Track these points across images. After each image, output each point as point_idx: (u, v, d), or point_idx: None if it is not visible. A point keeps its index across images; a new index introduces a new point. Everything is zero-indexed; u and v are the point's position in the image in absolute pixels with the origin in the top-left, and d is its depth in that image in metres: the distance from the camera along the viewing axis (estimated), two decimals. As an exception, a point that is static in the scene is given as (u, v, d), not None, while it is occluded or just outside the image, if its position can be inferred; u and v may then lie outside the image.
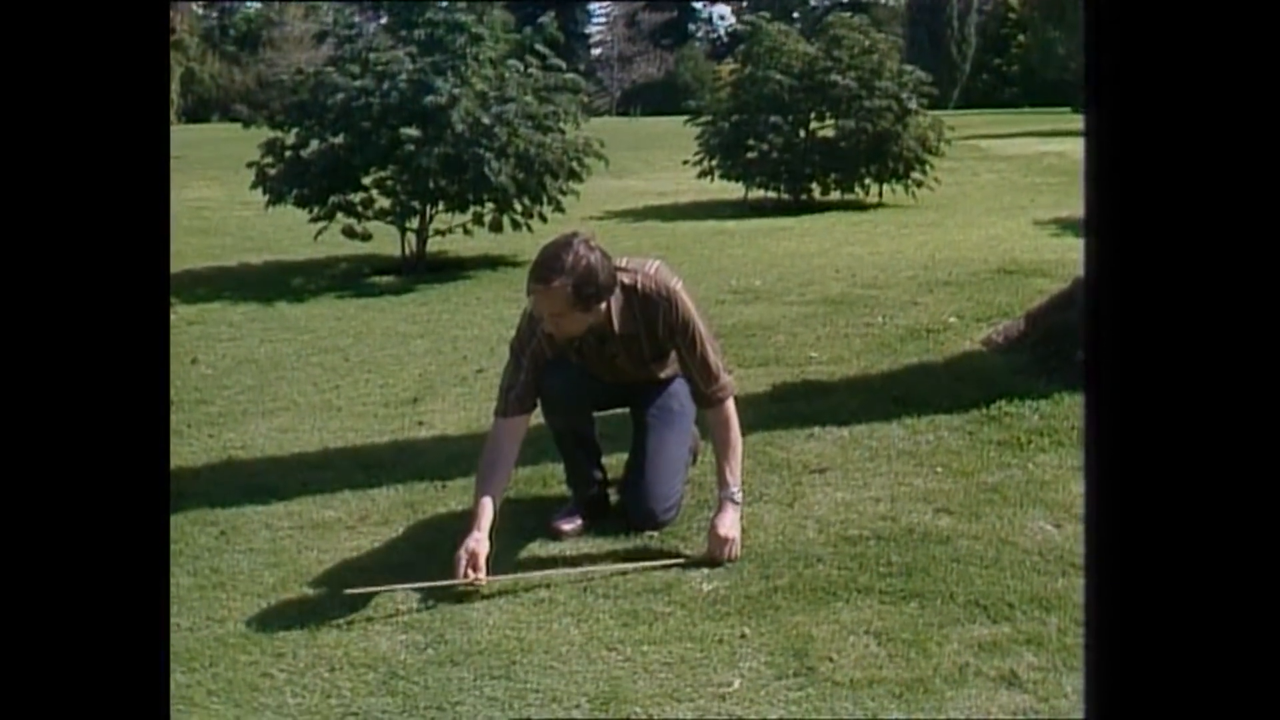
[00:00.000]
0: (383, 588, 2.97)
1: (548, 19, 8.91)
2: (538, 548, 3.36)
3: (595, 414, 3.59)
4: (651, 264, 3.37)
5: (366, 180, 8.70)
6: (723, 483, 3.30)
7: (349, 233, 8.70)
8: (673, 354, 3.44)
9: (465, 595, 3.03)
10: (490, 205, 8.62)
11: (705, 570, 3.13)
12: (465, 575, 3.02)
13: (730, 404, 3.36)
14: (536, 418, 3.46)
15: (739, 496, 3.30)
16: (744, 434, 4.07)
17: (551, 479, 3.83)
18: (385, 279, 8.53)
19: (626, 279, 3.29)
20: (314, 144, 8.57)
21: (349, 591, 2.93)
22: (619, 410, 3.67)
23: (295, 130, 8.66)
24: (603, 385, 3.48)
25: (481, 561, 3.04)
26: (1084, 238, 1.32)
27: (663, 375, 3.54)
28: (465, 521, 3.18)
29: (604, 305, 3.24)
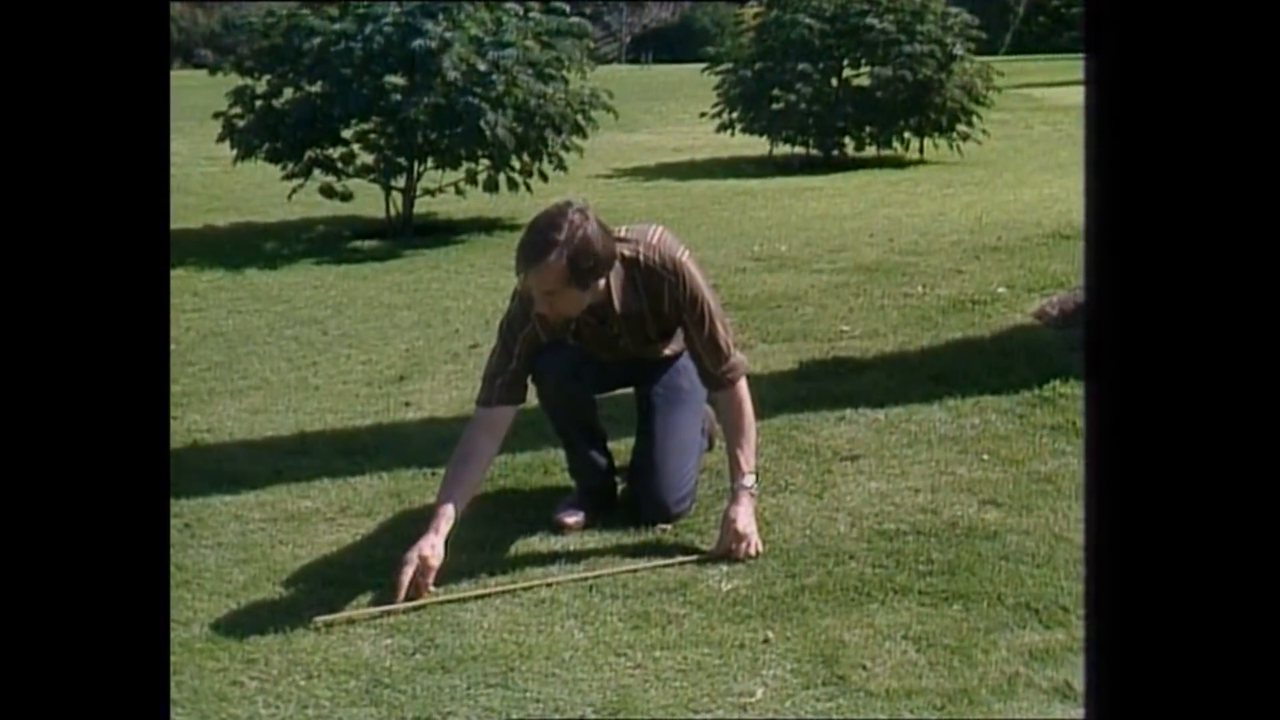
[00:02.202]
0: (353, 612, 2.97)
1: (550, -44, 8.90)
2: (538, 543, 3.36)
3: (597, 396, 3.59)
4: (654, 232, 3.36)
5: (347, 133, 8.70)
6: (737, 471, 3.30)
7: (327, 192, 8.70)
8: (679, 331, 3.45)
9: (462, 597, 3.04)
10: (485, 162, 8.61)
11: (724, 568, 3.13)
12: (410, 585, 2.99)
13: (742, 385, 3.36)
14: (533, 399, 3.46)
15: (755, 485, 3.31)
16: (768, 416, 4.08)
17: (553, 466, 3.83)
18: (368, 243, 8.53)
19: (627, 250, 3.28)
20: (288, 93, 8.58)
21: (320, 620, 2.92)
22: (623, 391, 3.68)
23: (267, 78, 8.65)
24: (602, 364, 3.48)
25: (432, 573, 3.03)
26: (1084, 196, 1.32)
27: (668, 352, 3.54)
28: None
29: (603, 282, 3.23)
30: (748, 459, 3.32)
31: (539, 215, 3.20)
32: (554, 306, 3.20)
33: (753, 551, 3.18)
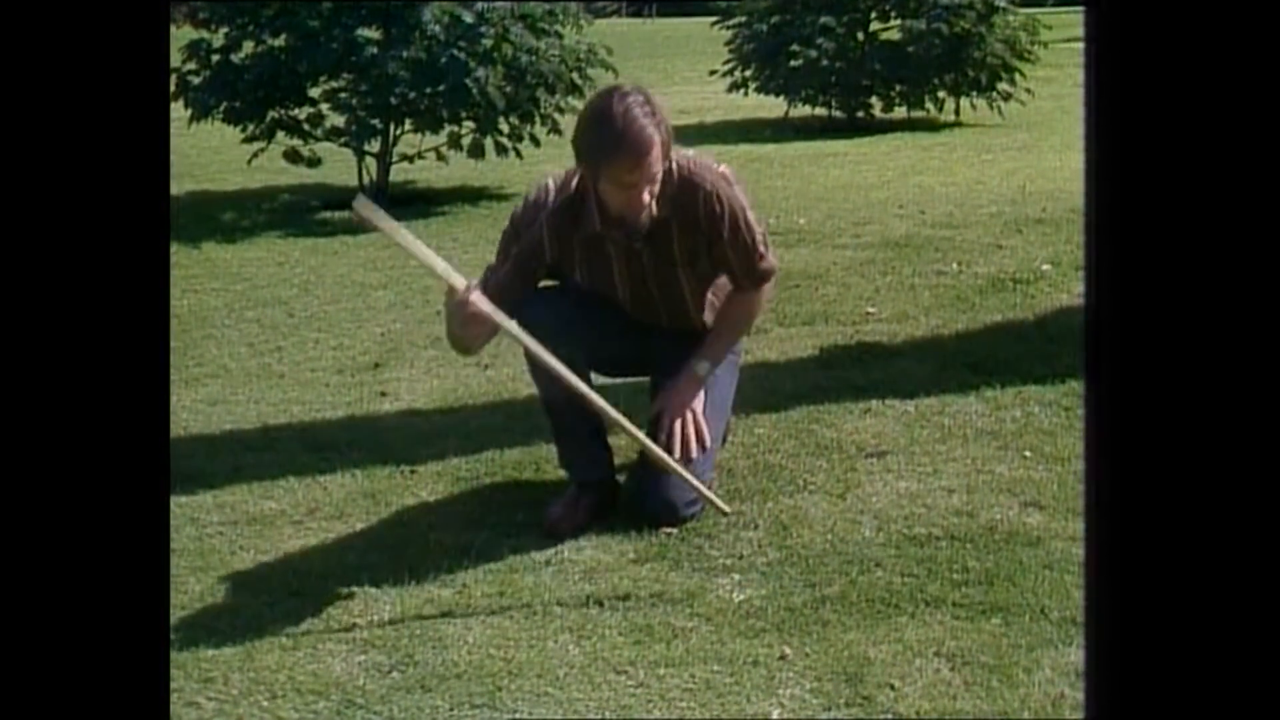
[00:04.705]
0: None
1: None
2: (528, 548, 3.36)
3: (601, 382, 3.60)
4: (690, 151, 3.50)
5: (314, 92, 8.69)
6: (698, 352, 3.45)
7: (292, 156, 8.70)
8: (700, 290, 3.53)
9: (445, 609, 3.05)
10: (470, 124, 8.60)
11: (736, 577, 3.14)
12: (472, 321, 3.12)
13: (767, 288, 3.56)
14: (528, 386, 3.46)
15: (708, 372, 3.46)
16: (786, 408, 4.12)
17: (545, 464, 3.84)
18: (338, 215, 8.52)
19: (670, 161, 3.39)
20: (247, 46, 8.57)
21: None
22: (624, 381, 3.70)
23: (224, 30, 8.65)
24: (608, 333, 3.47)
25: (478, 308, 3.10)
26: (1084, 172, 1.33)
27: (690, 302, 3.54)
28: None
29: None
30: (715, 349, 3.48)
31: (601, 104, 3.26)
32: (652, 191, 3.27)
33: (679, 451, 3.31)
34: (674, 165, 3.35)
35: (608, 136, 3.19)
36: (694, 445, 3.32)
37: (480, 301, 3.11)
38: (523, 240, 3.39)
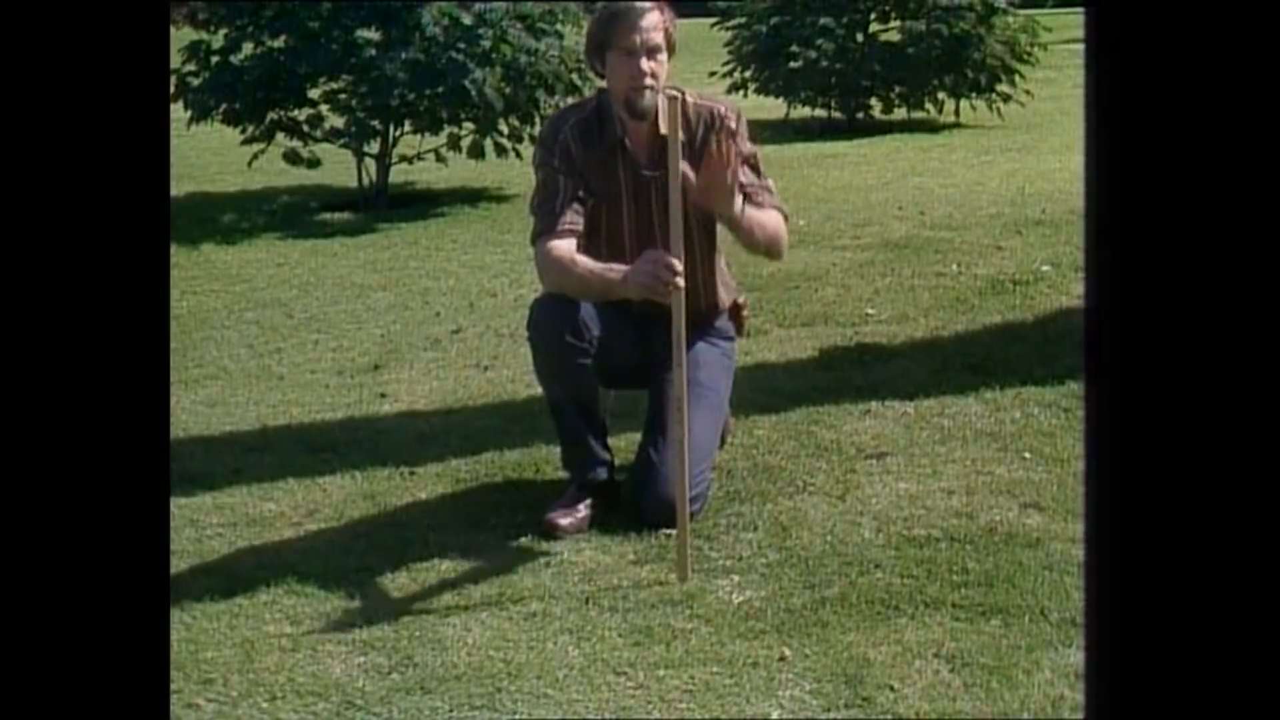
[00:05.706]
0: None
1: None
2: (528, 549, 3.37)
3: (604, 389, 3.61)
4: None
5: (314, 93, 8.69)
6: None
7: (292, 158, 8.69)
8: (706, 252, 3.58)
9: (445, 610, 3.05)
10: (469, 125, 8.60)
11: (735, 579, 3.14)
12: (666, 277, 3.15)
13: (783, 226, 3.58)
14: (527, 388, 3.46)
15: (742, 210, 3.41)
16: (785, 409, 4.13)
17: (545, 465, 3.85)
18: (338, 216, 8.53)
19: (677, 91, 3.46)
20: (247, 48, 8.56)
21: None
22: (626, 389, 3.71)
23: (224, 31, 8.65)
24: (614, 337, 3.47)
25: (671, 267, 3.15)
26: (1084, 170, 1.33)
27: (694, 261, 3.53)
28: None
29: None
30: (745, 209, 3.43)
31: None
32: (654, 68, 3.41)
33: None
34: (689, 97, 3.49)
35: (611, 9, 3.41)
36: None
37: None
38: (556, 155, 3.48)
